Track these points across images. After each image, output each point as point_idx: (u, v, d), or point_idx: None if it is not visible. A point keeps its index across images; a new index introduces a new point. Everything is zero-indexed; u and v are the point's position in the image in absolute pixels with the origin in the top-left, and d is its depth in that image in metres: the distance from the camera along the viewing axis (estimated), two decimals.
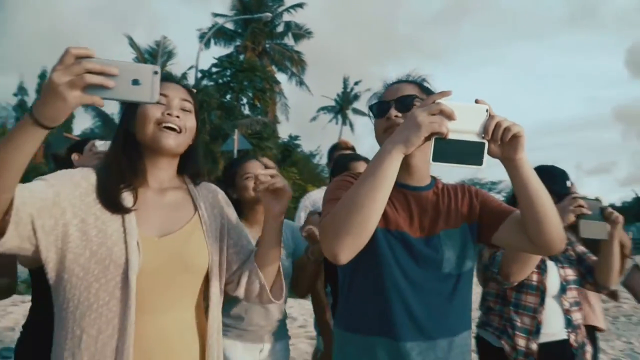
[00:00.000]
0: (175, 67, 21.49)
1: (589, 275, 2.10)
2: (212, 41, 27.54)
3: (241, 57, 26.26)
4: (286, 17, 29.19)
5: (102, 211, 1.22)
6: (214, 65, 24.47)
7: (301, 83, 29.95)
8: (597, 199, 1.90)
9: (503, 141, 1.14)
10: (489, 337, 2.08)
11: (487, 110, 1.14)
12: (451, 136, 1.12)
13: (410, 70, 1.48)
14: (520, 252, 1.74)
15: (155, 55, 21.37)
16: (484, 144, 1.14)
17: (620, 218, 1.90)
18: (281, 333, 2.40)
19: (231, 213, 1.47)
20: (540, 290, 2.01)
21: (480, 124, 1.14)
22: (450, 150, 1.13)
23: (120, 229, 1.21)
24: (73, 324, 1.17)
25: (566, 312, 2.04)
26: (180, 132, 1.31)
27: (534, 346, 1.96)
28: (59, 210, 1.17)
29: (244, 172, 2.39)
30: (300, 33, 29.47)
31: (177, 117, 1.30)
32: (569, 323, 2.03)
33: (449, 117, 1.11)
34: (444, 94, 1.14)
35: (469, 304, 1.45)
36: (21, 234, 1.12)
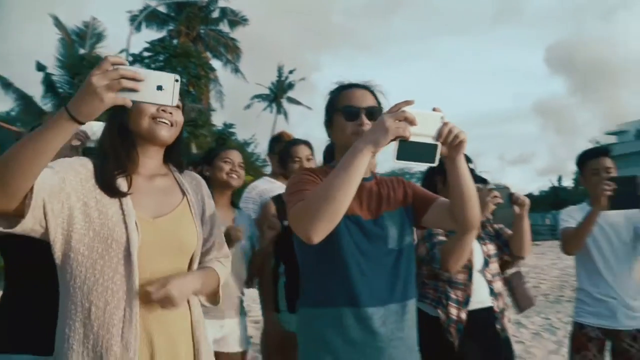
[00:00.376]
0: (106, 50, 20.59)
1: (506, 248, 2.47)
2: (144, 24, 26.67)
3: (174, 41, 25.63)
4: (222, 2, 28.74)
5: (102, 195, 1.37)
6: (146, 49, 23.71)
7: (236, 70, 29.69)
8: (505, 187, 2.26)
9: (451, 144, 1.39)
10: (426, 307, 2.37)
11: (442, 118, 1.38)
12: (412, 139, 1.35)
13: (369, 80, 1.72)
14: (449, 231, 2.05)
15: (84, 36, 20.41)
16: (437, 145, 1.38)
17: (527, 200, 2.26)
18: (240, 310, 2.61)
19: (211, 204, 1.64)
20: (468, 268, 2.33)
21: (436, 129, 1.37)
22: (411, 151, 1.36)
23: (119, 211, 1.36)
24: (82, 298, 1.32)
25: (489, 283, 2.38)
26: (172, 126, 1.48)
27: (464, 315, 2.29)
28: (64, 194, 1.32)
29: (224, 156, 2.60)
30: (236, 20, 29.14)
31: (170, 113, 1.47)
32: (492, 292, 2.38)
33: (411, 123, 1.34)
34: (407, 102, 1.37)
35: (413, 274, 1.73)
36: (36, 216, 1.25)
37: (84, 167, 1.40)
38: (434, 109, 1.39)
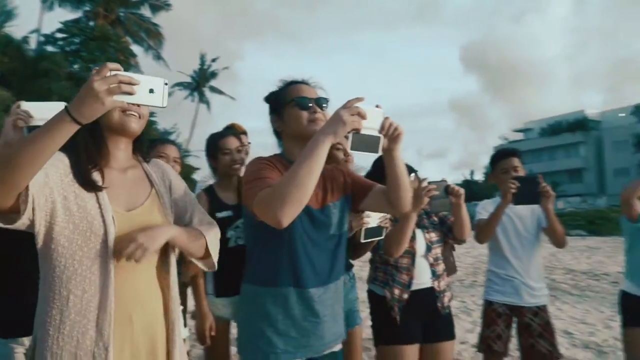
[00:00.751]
0: (17, 30, 19.24)
1: (450, 233, 2.76)
2: (57, 3, 25.10)
3: (91, 24, 24.37)
4: None
5: (80, 190, 1.42)
6: (60, 30, 22.38)
7: (158, 57, 28.74)
8: (443, 180, 2.52)
9: (391, 136, 1.58)
10: (376, 288, 2.65)
11: (383, 113, 1.57)
12: (362, 132, 1.53)
13: (310, 77, 1.87)
14: (386, 211, 2.20)
15: None
16: (380, 137, 1.57)
17: (462, 190, 2.53)
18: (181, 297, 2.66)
19: (178, 185, 1.70)
20: (412, 254, 2.60)
21: (379, 123, 1.56)
22: (362, 142, 1.54)
23: (96, 205, 1.43)
24: (60, 287, 1.37)
25: (431, 266, 2.65)
26: (140, 118, 1.54)
27: (405, 295, 2.56)
28: (48, 189, 1.37)
29: (160, 150, 2.63)
30: (158, 4, 28.17)
31: (138, 106, 1.53)
32: (434, 274, 2.64)
33: (363, 117, 1.51)
34: (359, 99, 1.54)
35: (345, 255, 1.93)
36: (27, 211, 1.30)
37: (61, 162, 1.44)
38: (377, 106, 1.57)
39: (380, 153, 1.59)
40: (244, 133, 3.36)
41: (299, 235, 1.72)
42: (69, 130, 1.20)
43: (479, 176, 54.69)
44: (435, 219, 2.79)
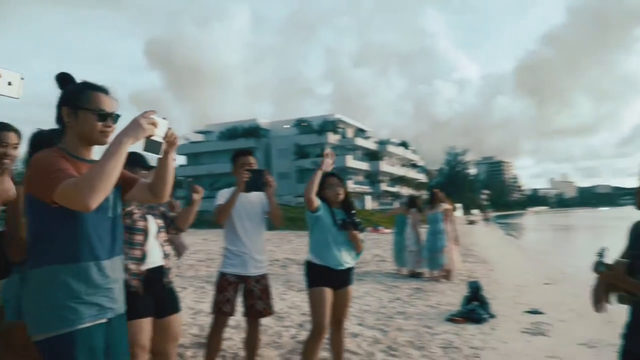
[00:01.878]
0: None
1: (172, 224, 3.35)
2: None
3: None
4: None
5: None
6: None
7: None
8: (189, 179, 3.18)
9: (171, 143, 2.04)
10: None
11: (168, 124, 1.99)
12: (153, 138, 1.93)
13: (109, 86, 2.09)
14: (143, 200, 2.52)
15: None
16: (162, 142, 2.00)
17: (202, 190, 3.32)
18: None
19: None
20: (145, 232, 3.03)
21: (164, 130, 1.98)
22: (151, 146, 1.95)
23: None
24: None
25: (161, 246, 3.13)
26: None
27: (142, 268, 2.96)
28: None
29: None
30: None
31: None
32: (164, 254, 3.13)
33: (155, 125, 1.92)
34: (153, 112, 1.93)
35: (122, 235, 2.24)
36: None
37: None
38: (163, 118, 1.99)
39: (161, 155, 2.02)
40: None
41: (88, 217, 1.96)
42: None
43: None
44: (157, 211, 3.26)
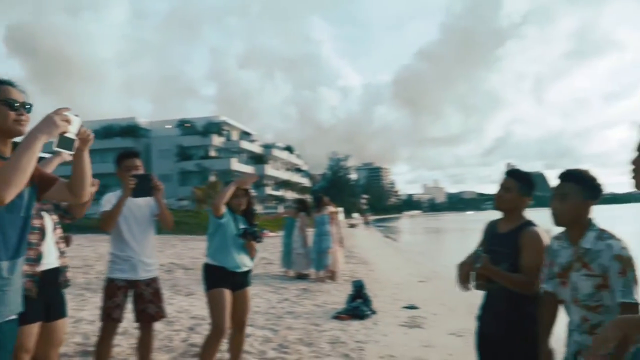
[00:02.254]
0: None
1: (67, 213, 3.21)
2: None
3: None
4: None
5: None
6: None
7: None
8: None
9: (84, 140, 2.01)
10: None
11: (80, 121, 1.96)
12: (66, 134, 1.90)
13: (17, 81, 2.06)
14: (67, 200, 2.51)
15: None
16: (75, 139, 1.96)
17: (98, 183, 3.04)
18: None
19: None
20: (42, 230, 2.88)
21: (77, 127, 1.96)
22: (63, 142, 1.92)
23: None
24: None
25: (57, 244, 3.00)
26: None
27: (37, 270, 2.81)
28: None
29: None
30: None
31: None
32: (59, 252, 3.00)
33: (68, 122, 1.89)
34: (67, 109, 1.90)
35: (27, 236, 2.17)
36: None
37: None
38: (76, 115, 1.97)
39: (73, 152, 1.99)
40: None
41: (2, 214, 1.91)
42: None
43: None
44: (49, 206, 3.13)
